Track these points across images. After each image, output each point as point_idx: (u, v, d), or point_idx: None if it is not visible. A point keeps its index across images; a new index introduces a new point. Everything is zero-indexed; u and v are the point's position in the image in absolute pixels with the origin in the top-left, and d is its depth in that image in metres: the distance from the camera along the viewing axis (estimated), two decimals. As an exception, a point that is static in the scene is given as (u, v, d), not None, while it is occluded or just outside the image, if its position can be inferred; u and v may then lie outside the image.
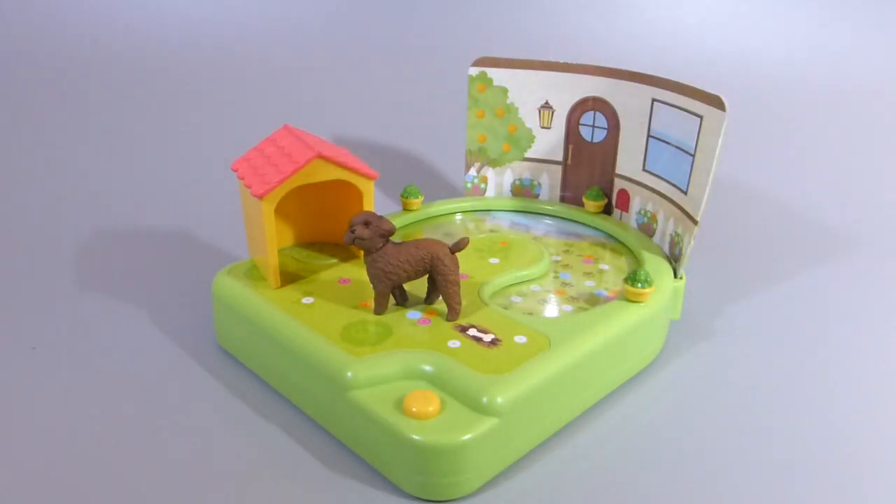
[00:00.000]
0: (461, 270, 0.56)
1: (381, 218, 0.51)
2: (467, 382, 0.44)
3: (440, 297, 0.53)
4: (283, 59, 1.26)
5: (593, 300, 0.57)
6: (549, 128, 0.73)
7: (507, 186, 0.75)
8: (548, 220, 0.72)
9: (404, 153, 1.03)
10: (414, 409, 0.43)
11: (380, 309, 0.52)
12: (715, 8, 1.29)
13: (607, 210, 0.71)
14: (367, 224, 0.50)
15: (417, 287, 0.54)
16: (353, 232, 0.50)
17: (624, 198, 0.70)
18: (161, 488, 0.44)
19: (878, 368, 0.58)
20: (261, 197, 0.52)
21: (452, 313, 0.51)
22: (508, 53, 0.72)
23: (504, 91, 0.72)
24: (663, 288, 0.56)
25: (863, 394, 0.55)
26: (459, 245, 0.51)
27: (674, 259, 0.62)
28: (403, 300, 0.53)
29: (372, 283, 0.52)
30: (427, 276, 0.52)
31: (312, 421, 0.50)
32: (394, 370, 0.46)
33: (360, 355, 0.47)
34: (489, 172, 0.75)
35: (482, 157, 0.75)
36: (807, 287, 0.70)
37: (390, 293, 0.52)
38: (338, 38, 1.29)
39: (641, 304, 0.54)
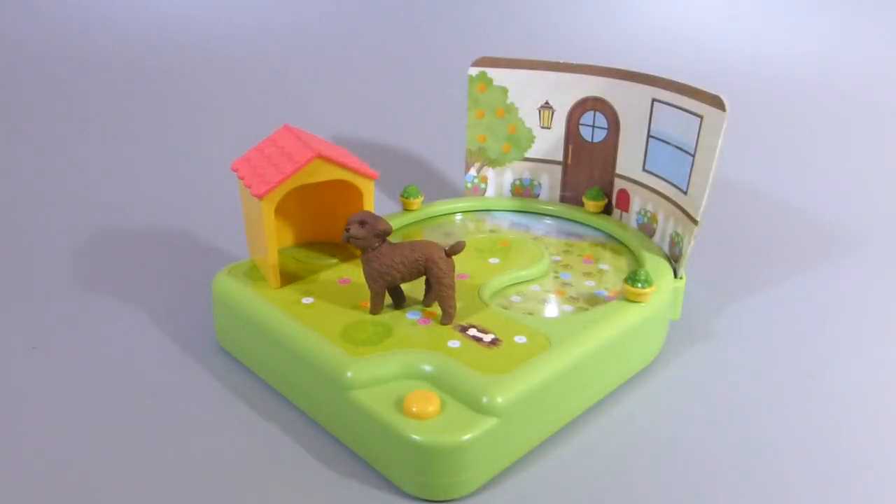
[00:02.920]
0: (461, 271, 0.56)
1: (377, 218, 0.51)
2: (467, 382, 0.44)
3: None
4: (283, 59, 1.26)
5: (593, 300, 0.57)
6: (549, 128, 0.73)
7: (507, 186, 0.75)
8: (548, 220, 0.72)
9: (404, 153, 1.03)
10: (414, 409, 0.43)
11: (376, 309, 0.52)
12: (715, 8, 1.29)
13: (607, 210, 0.71)
14: (362, 223, 0.50)
15: (418, 288, 0.54)
16: (347, 231, 0.50)
17: (624, 198, 0.70)
18: (161, 488, 0.44)
19: (878, 368, 0.58)
20: (261, 197, 0.52)
21: (446, 317, 0.51)
22: (508, 53, 0.72)
23: (504, 91, 0.72)
24: (663, 288, 0.56)
25: (863, 394, 0.55)
26: (455, 249, 0.51)
27: (674, 259, 0.62)
28: (400, 302, 0.53)
29: (367, 282, 0.52)
30: (425, 277, 0.52)
31: (312, 421, 0.50)
32: (394, 370, 0.46)
33: (360, 355, 0.47)
34: (489, 172, 0.75)
35: (482, 157, 0.75)
36: (807, 287, 0.70)
37: (386, 293, 0.52)
38: (338, 39, 1.29)
39: (641, 305, 0.54)
